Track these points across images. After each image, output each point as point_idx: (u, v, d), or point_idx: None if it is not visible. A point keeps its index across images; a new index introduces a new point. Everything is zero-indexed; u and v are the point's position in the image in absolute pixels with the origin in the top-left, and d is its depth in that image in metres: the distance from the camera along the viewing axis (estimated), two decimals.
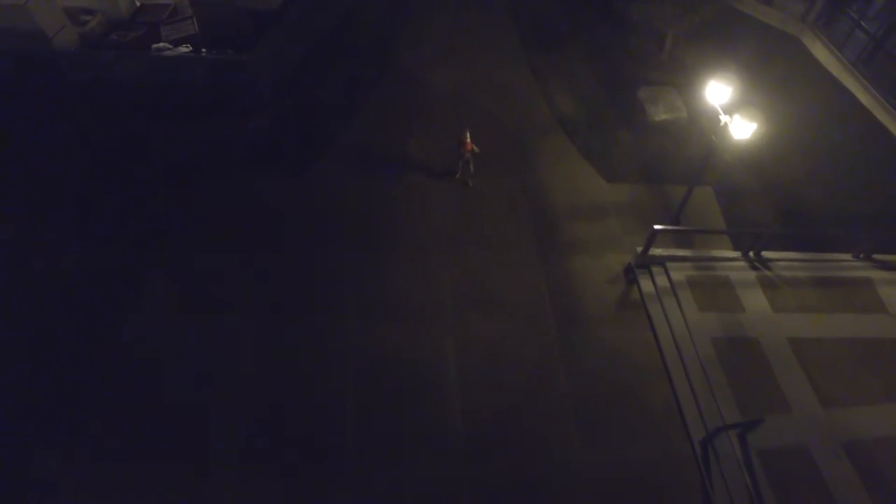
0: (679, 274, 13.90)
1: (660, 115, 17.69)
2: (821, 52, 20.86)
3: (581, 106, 18.65)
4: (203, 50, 18.26)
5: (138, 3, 19.90)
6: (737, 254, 14.37)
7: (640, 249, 14.03)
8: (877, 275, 14.21)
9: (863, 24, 18.54)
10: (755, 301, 13.54)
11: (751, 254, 14.31)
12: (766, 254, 14.36)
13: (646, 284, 13.90)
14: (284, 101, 18.05)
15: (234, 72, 17.61)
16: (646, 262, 14.13)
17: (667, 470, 11.47)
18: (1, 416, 11.19)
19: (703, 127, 17.37)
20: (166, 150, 16.29)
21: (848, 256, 14.57)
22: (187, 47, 18.38)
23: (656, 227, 13.38)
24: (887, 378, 12.44)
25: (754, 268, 14.14)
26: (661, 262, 14.08)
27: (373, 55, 20.00)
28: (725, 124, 12.27)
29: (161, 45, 18.39)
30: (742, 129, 11.97)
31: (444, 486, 10.96)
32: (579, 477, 11.20)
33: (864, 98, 18.84)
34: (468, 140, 15.02)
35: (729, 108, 12.50)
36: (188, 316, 12.86)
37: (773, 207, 15.95)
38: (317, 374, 12.18)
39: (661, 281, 13.88)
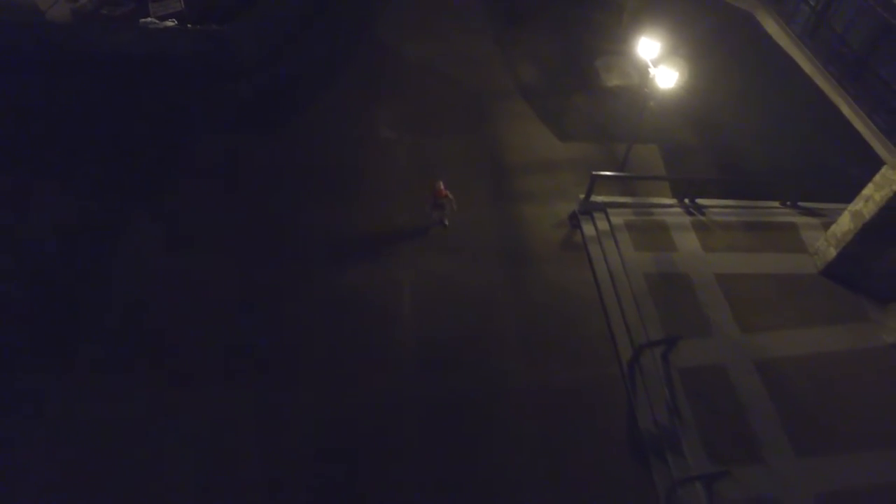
0: (619, 219, 15.10)
1: (612, 80, 18.89)
2: (771, 27, 22.06)
3: (541, 74, 19.86)
4: (189, 25, 19.50)
5: None
6: (674, 201, 15.57)
7: (582, 197, 15.24)
8: (801, 220, 15.39)
9: None
10: (687, 242, 14.73)
11: (686, 201, 15.50)
12: (701, 201, 15.56)
13: (588, 228, 15.11)
14: (265, 70, 19.28)
15: (216, 42, 18.87)
16: (589, 209, 15.32)
17: (598, 388, 12.67)
18: None
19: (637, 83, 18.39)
20: (153, 114, 17.51)
21: (776, 204, 15.76)
22: (173, 21, 19.63)
23: (594, 173, 14.59)
24: (801, 307, 13.63)
25: (689, 213, 15.34)
26: (603, 208, 15.28)
27: (350, 27, 21.21)
28: (653, 76, 13.48)
29: (148, 19, 19.64)
30: (667, 78, 13.17)
31: (397, 401, 12.16)
32: (519, 393, 12.41)
33: (808, 67, 20.02)
34: (442, 188, 14.22)
35: (657, 61, 13.70)
36: (172, 255, 14.06)
37: (713, 162, 17.15)
38: (288, 310, 13.34)
39: (602, 225, 15.09)
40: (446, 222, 14.99)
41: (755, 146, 17.61)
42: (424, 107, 18.42)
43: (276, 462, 11.17)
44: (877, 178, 12.51)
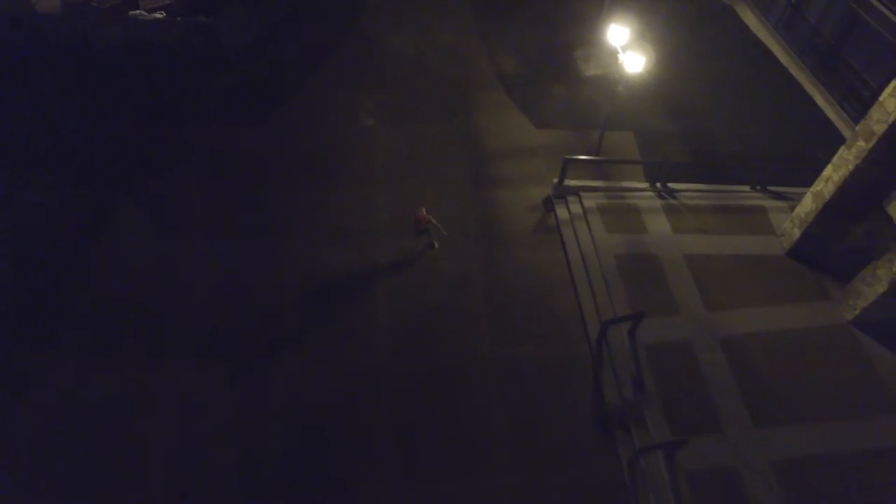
0: (591, 202, 15.47)
1: (590, 70, 19.26)
2: (750, 19, 22.49)
3: (521, 65, 20.22)
4: (178, 18, 19.89)
5: None
6: (646, 185, 15.95)
7: (556, 181, 15.62)
8: (770, 203, 15.76)
9: None
10: (658, 224, 15.11)
11: (658, 185, 15.88)
12: (672, 185, 15.93)
13: (561, 212, 15.49)
14: (250, 60, 19.67)
15: (203, 34, 19.27)
16: (563, 193, 15.70)
17: (566, 363, 13.07)
18: None
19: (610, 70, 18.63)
20: (141, 104, 17.88)
21: (747, 188, 16.13)
22: (162, 14, 20.04)
23: (567, 157, 14.98)
24: (766, 287, 14.00)
25: (661, 197, 15.71)
26: (577, 192, 15.65)
27: (335, 20, 21.56)
28: (622, 61, 13.87)
29: (137, 12, 20.04)
30: (634, 62, 13.56)
31: (371, 375, 12.55)
32: (489, 368, 12.81)
33: (784, 58, 20.47)
34: (424, 215, 14.02)
35: (626, 47, 14.08)
36: (156, 239, 14.43)
37: (688, 149, 17.51)
38: (266, 290, 13.73)
39: (575, 208, 15.46)
40: (435, 245, 14.65)
41: (728, 132, 17.97)
42: (406, 96, 18.77)
43: (249, 437, 11.55)
44: (835, 159, 12.88)
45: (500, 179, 16.44)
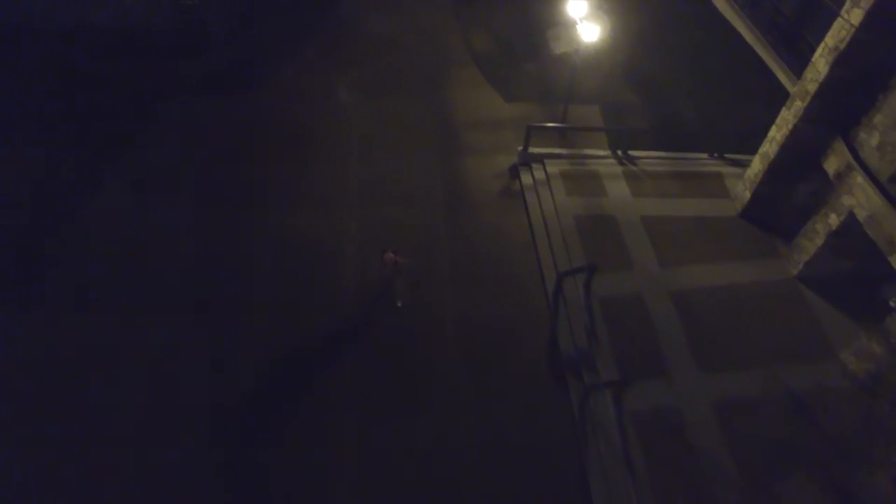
0: (555, 168, 16.16)
1: (560, 48, 19.91)
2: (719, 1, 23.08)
3: (494, 45, 20.91)
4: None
5: None
6: (608, 152, 16.63)
7: (520, 149, 16.32)
8: (726, 170, 16.45)
9: None
10: (617, 188, 15.79)
11: (619, 152, 16.56)
12: (633, 152, 16.62)
13: (526, 178, 16.18)
14: (233, 40, 20.35)
15: (187, 14, 20.01)
16: (527, 160, 16.38)
17: (524, 317, 13.78)
18: None
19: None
20: (125, 83, 18.56)
21: (705, 156, 16.81)
22: None
23: (530, 124, 15.68)
24: (718, 245, 14.68)
25: (622, 163, 16.39)
26: (541, 159, 16.34)
27: (316, 2, 22.22)
28: (579, 32, 14.55)
29: None
30: (589, 32, 14.26)
31: (338, 333, 13.23)
32: (450, 322, 13.49)
33: (748, 36, 21.06)
34: (391, 258, 12.76)
35: (584, 18, 14.73)
36: (136, 206, 15.08)
37: (650, 122, 18.20)
38: (240, 252, 14.39)
39: (539, 175, 16.15)
40: (399, 303, 13.54)
41: (692, 107, 18.63)
42: (381, 74, 19.43)
43: (218, 390, 12.14)
44: (777, 119, 13.56)
45: (469, 149, 17.13)
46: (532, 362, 13.07)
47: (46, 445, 11.12)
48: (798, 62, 18.44)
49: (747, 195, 14.81)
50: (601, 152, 16.66)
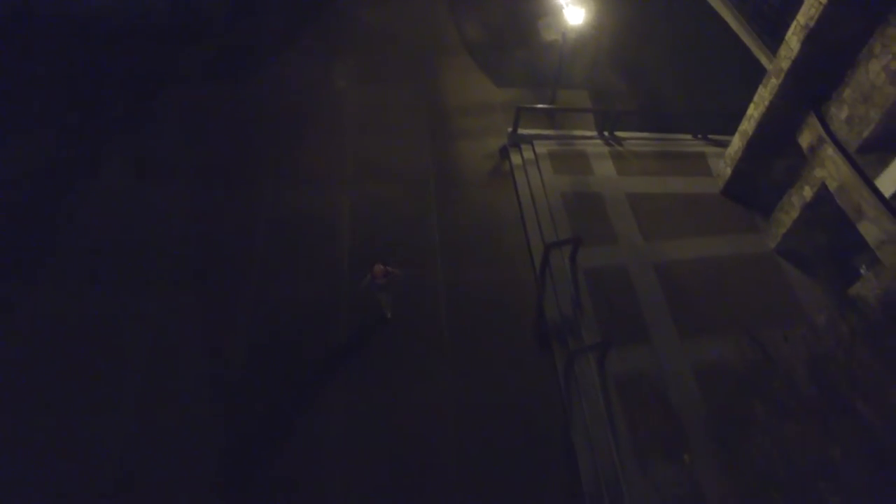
0: (543, 149, 16.69)
1: (551, 36, 20.44)
2: None
3: (487, 33, 21.43)
4: None
5: None
6: (594, 133, 17.18)
7: (510, 130, 16.87)
8: (709, 150, 17.00)
9: None
10: (603, 167, 16.33)
11: (606, 133, 17.10)
12: (619, 133, 17.16)
13: (515, 158, 16.72)
14: (232, 28, 20.88)
15: (187, 2, 20.60)
16: (517, 141, 16.92)
17: (512, 288, 14.31)
18: None
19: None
20: (127, 68, 19.06)
21: (689, 136, 17.36)
22: None
23: (520, 106, 16.22)
24: (699, 220, 15.22)
25: (608, 144, 16.93)
26: (530, 140, 16.88)
27: None
28: (566, 16, 15.11)
29: None
30: (575, 16, 14.81)
31: (331, 303, 13.74)
32: (440, 291, 14.02)
33: (734, 25, 21.63)
34: (381, 268, 12.36)
35: (571, 2, 15.28)
36: (138, 185, 15.62)
37: (637, 105, 18.76)
38: (240, 225, 14.94)
39: (528, 155, 16.68)
40: (388, 314, 13.39)
41: (676, 90, 19.18)
42: (376, 62, 19.93)
43: (217, 356, 12.68)
44: (755, 97, 14.09)
45: (460, 132, 17.67)
46: (519, 330, 13.61)
47: (51, 412, 11.63)
48: (779, 45, 19.07)
49: (728, 172, 15.35)
50: (588, 133, 17.21)
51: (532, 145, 16.79)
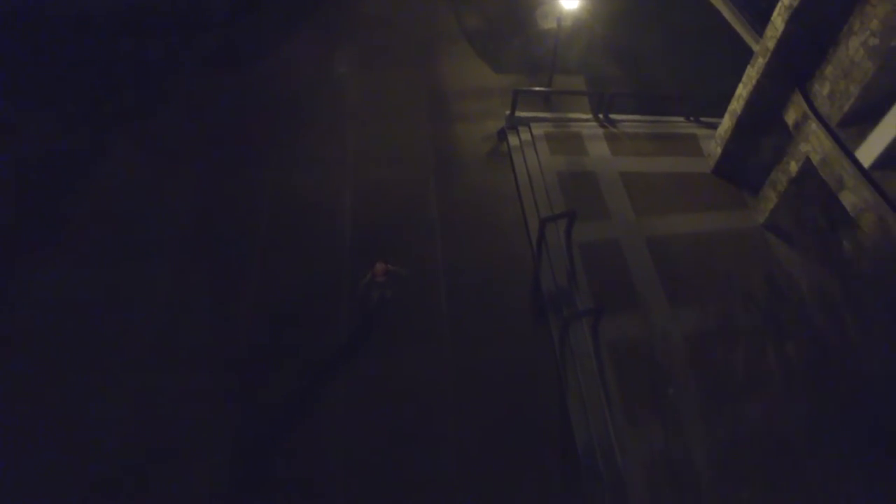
0: (540, 130, 17.22)
1: (548, 24, 21.00)
2: None
3: (485, 22, 21.95)
4: None
5: None
6: (589, 115, 17.71)
7: (507, 113, 17.41)
8: (701, 131, 17.52)
9: None
10: (598, 148, 16.86)
11: (600, 116, 17.64)
12: (614, 116, 17.69)
13: (513, 140, 17.26)
14: (235, 18, 21.38)
15: None
16: (514, 124, 17.46)
17: (508, 262, 14.83)
18: None
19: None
20: (134, 58, 19.63)
21: (681, 119, 17.89)
22: None
23: (516, 89, 16.77)
24: (691, 198, 15.73)
25: (602, 126, 17.47)
26: (527, 122, 17.41)
27: None
28: (561, 2, 15.66)
29: None
30: (569, 1, 15.35)
31: (334, 278, 14.27)
32: (438, 268, 14.55)
33: (727, 14, 22.15)
34: (383, 266, 12.60)
35: None
36: (147, 165, 16.17)
37: (630, 88, 19.30)
38: (245, 205, 15.49)
39: (525, 136, 17.22)
40: (389, 293, 13.27)
41: (671, 77, 19.72)
42: (377, 50, 20.45)
43: (225, 323, 13.26)
44: (744, 77, 14.61)
45: (459, 116, 18.21)
46: (516, 301, 14.14)
47: (67, 371, 12.22)
48: None
49: (718, 151, 15.87)
50: (583, 116, 17.74)
51: (529, 127, 17.33)
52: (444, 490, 11.40)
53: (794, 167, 13.69)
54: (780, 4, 12.97)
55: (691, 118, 17.89)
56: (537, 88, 17.89)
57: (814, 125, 12.85)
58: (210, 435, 11.73)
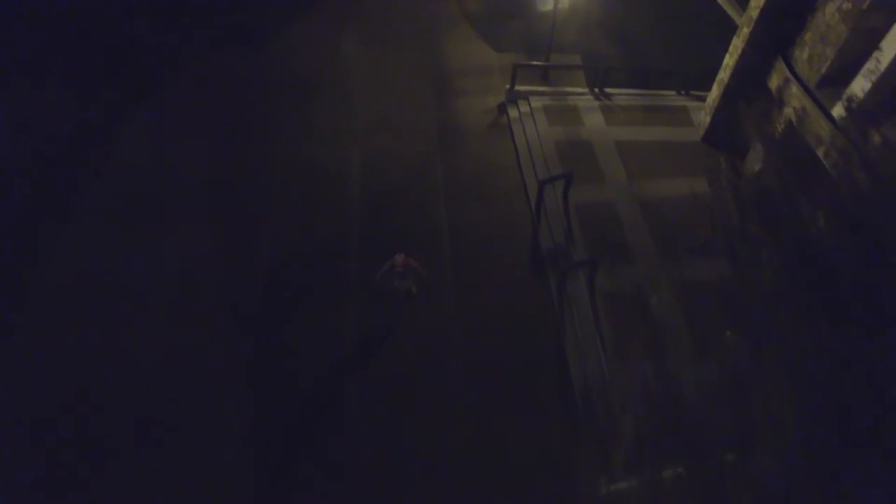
0: (538, 104, 18.13)
1: (546, 6, 21.90)
2: None
3: (485, 5, 22.89)
4: None
5: None
6: (585, 89, 18.62)
7: (507, 88, 18.32)
8: (692, 104, 18.42)
9: None
10: (593, 119, 17.76)
11: (596, 90, 18.54)
12: (609, 90, 18.60)
13: (512, 112, 18.16)
14: (240, 7, 22.30)
15: None
16: (514, 97, 18.36)
17: (510, 225, 15.70)
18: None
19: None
20: (145, 40, 20.45)
21: (673, 93, 18.79)
22: None
23: (516, 63, 17.68)
24: (680, 163, 16.58)
25: (598, 99, 18.38)
26: (526, 96, 18.32)
27: None
28: None
29: None
30: None
31: (344, 239, 15.15)
32: (443, 229, 15.43)
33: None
34: (402, 261, 12.46)
35: None
36: (161, 141, 17.01)
37: (627, 69, 20.21)
38: (257, 176, 16.32)
39: (525, 109, 18.12)
40: (413, 289, 13.56)
41: (664, 54, 20.64)
42: (382, 31, 21.35)
43: (236, 290, 13.96)
44: (730, 47, 15.51)
45: (460, 91, 19.12)
46: (516, 258, 15.03)
47: (90, 327, 13.02)
48: None
49: (707, 121, 16.77)
50: (580, 89, 18.66)
51: (528, 100, 18.23)
52: (448, 417, 12.32)
53: (777, 130, 14.57)
54: None
55: (682, 92, 18.80)
56: (535, 63, 18.78)
57: (794, 88, 13.74)
58: (227, 383, 12.56)
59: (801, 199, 15.06)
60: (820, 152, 12.86)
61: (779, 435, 7.77)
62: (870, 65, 11.65)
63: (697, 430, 11.54)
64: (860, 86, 11.92)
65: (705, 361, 12.70)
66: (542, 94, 18.40)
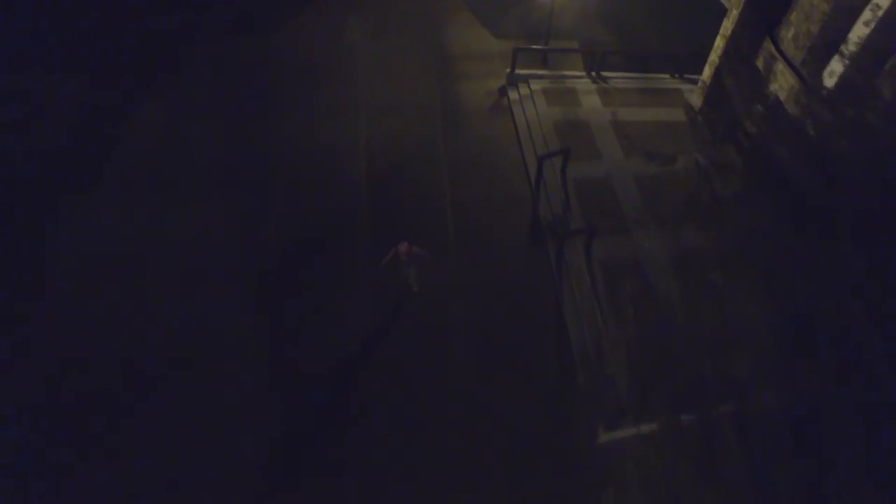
0: (538, 86, 18.86)
1: None
2: None
3: None
4: None
5: None
6: (583, 73, 19.35)
7: (508, 70, 19.05)
8: (685, 87, 19.18)
9: None
10: (591, 100, 18.50)
11: (593, 73, 19.28)
12: (605, 73, 19.33)
13: (513, 94, 18.88)
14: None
15: None
16: (514, 80, 19.09)
17: (510, 200, 16.41)
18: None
19: None
20: (156, 28, 21.16)
21: (667, 76, 19.53)
22: None
23: (516, 47, 18.41)
24: (673, 139, 17.37)
25: (595, 82, 19.12)
26: (526, 79, 19.05)
27: None
28: None
29: None
30: None
31: (350, 210, 15.85)
32: (446, 203, 16.13)
33: None
34: (406, 247, 12.68)
35: None
36: (174, 122, 17.71)
37: (623, 54, 20.95)
38: (267, 153, 17.03)
39: (525, 91, 18.85)
40: (415, 288, 13.95)
41: (658, 40, 21.38)
42: (388, 19, 22.08)
43: (248, 255, 14.63)
44: (721, 29, 16.25)
45: (462, 75, 19.85)
46: (516, 230, 15.73)
47: (113, 294, 13.71)
48: None
49: (699, 101, 17.51)
50: (578, 73, 19.40)
51: (528, 83, 18.96)
52: (454, 382, 13.00)
53: (765, 106, 15.32)
54: None
55: (676, 75, 19.54)
56: (535, 47, 19.52)
57: (781, 65, 14.49)
58: (245, 338, 13.30)
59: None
60: (806, 126, 13.61)
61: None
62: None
63: (686, 380, 12.34)
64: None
65: (699, 322, 13.52)
66: (541, 77, 19.13)
